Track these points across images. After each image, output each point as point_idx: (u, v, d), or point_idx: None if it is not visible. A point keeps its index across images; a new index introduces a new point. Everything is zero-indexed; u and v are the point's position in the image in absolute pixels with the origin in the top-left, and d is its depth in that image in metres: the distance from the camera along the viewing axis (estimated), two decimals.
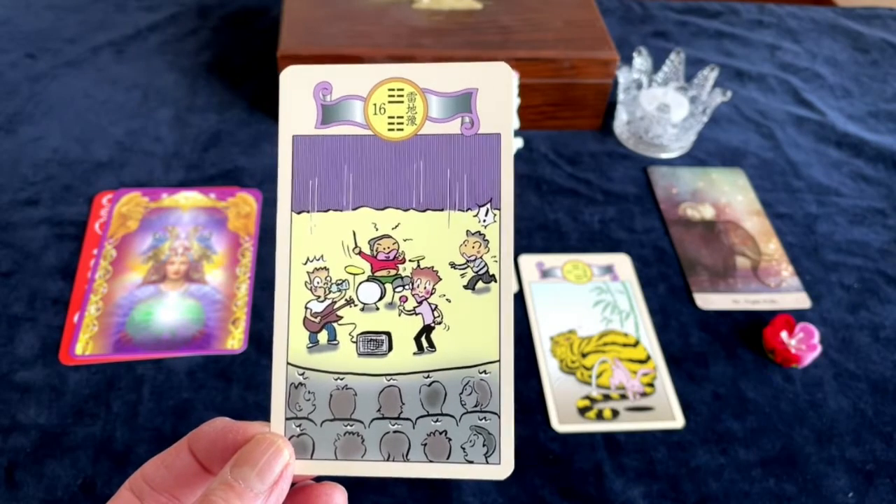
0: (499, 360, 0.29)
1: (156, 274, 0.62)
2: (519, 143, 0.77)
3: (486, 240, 0.29)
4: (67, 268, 0.62)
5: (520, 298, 0.64)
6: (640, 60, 0.77)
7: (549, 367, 0.59)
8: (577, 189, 0.74)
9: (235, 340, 0.58)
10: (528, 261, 0.67)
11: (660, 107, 0.75)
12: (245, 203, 0.68)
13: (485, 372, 0.29)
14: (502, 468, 0.29)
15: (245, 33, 0.89)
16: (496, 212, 0.29)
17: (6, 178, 0.69)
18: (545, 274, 0.66)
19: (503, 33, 0.76)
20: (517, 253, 0.67)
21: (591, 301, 0.64)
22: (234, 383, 0.56)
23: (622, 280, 0.66)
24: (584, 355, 0.60)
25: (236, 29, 0.89)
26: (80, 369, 0.56)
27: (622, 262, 0.67)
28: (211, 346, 0.58)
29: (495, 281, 0.29)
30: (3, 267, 0.62)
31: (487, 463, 0.29)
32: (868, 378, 0.61)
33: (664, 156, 0.78)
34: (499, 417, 0.29)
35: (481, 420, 0.29)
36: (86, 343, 0.57)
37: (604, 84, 0.77)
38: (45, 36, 0.86)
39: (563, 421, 0.56)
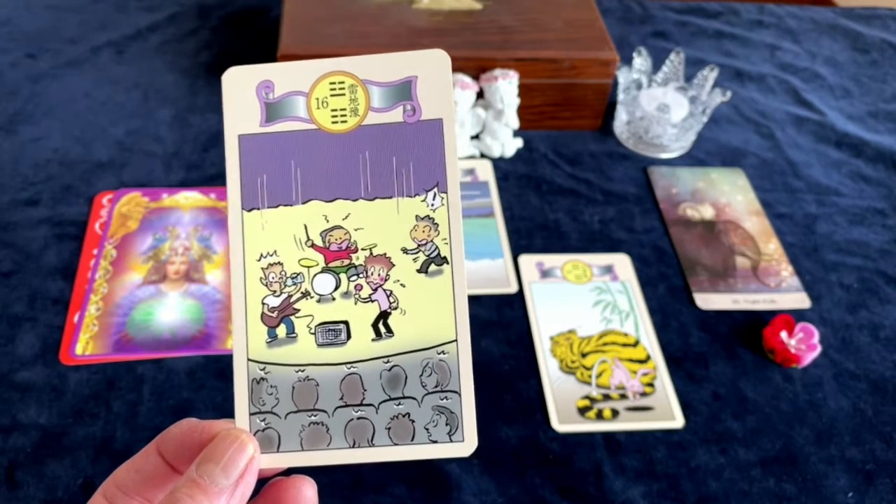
0: (456, 340, 0.29)
1: (156, 274, 0.62)
2: (519, 143, 0.77)
3: (436, 223, 0.30)
4: (68, 268, 0.62)
5: (520, 298, 0.64)
6: (640, 60, 0.77)
7: (548, 367, 0.59)
8: (577, 189, 0.74)
9: None
10: (528, 261, 0.67)
11: (660, 107, 0.75)
12: None
13: (443, 352, 0.29)
14: (466, 445, 0.29)
15: (245, 33, 0.89)
16: (443, 195, 0.30)
17: (6, 178, 0.69)
18: (545, 274, 0.66)
19: (503, 33, 0.76)
20: (517, 253, 0.67)
21: (590, 301, 0.64)
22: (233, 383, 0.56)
23: (622, 280, 0.66)
24: (583, 355, 0.60)
25: (236, 29, 0.89)
26: (81, 369, 0.56)
27: (622, 262, 0.67)
28: (211, 345, 0.58)
29: (447, 262, 0.30)
30: (4, 267, 0.62)
31: (451, 441, 0.29)
32: (868, 378, 0.61)
33: (664, 156, 0.78)
34: (459, 396, 0.29)
35: (443, 400, 0.29)
36: (86, 343, 0.57)
37: (604, 84, 0.77)
38: (45, 36, 0.86)
39: (563, 421, 0.56)
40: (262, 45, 0.86)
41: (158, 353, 0.57)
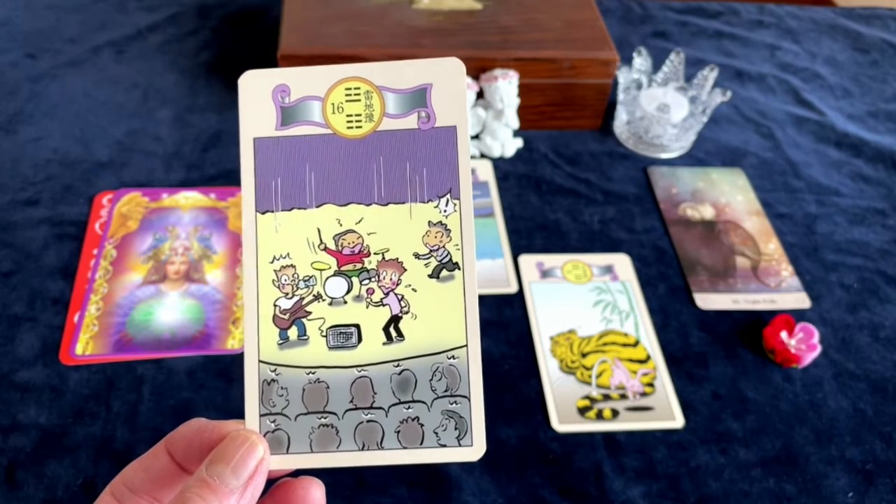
0: (466, 345, 0.30)
1: (156, 274, 0.62)
2: (519, 143, 0.77)
3: (448, 229, 0.30)
4: (68, 268, 0.62)
5: (520, 298, 0.64)
6: (640, 60, 0.77)
7: (549, 367, 0.59)
8: (577, 189, 0.74)
9: (235, 340, 0.58)
10: (528, 261, 0.67)
11: (660, 107, 0.75)
12: None
13: (453, 357, 0.30)
14: (475, 449, 0.29)
15: (245, 33, 0.89)
16: (456, 202, 0.30)
17: (6, 178, 0.69)
18: (545, 274, 0.66)
19: (503, 33, 0.76)
20: (517, 253, 0.67)
21: (590, 301, 0.64)
22: (234, 383, 0.56)
23: (622, 280, 0.66)
24: (584, 355, 0.60)
25: (236, 29, 0.89)
26: (81, 369, 0.56)
27: (622, 262, 0.67)
28: (211, 345, 0.58)
29: (459, 268, 0.30)
30: (4, 267, 0.62)
31: (460, 445, 0.29)
32: (868, 378, 0.61)
33: (664, 156, 0.78)
34: (469, 400, 0.29)
35: (452, 404, 0.29)
36: (86, 343, 0.57)
37: (604, 84, 0.77)
38: (45, 36, 0.86)
39: (563, 421, 0.56)
40: (262, 45, 0.86)
41: (158, 353, 0.57)
